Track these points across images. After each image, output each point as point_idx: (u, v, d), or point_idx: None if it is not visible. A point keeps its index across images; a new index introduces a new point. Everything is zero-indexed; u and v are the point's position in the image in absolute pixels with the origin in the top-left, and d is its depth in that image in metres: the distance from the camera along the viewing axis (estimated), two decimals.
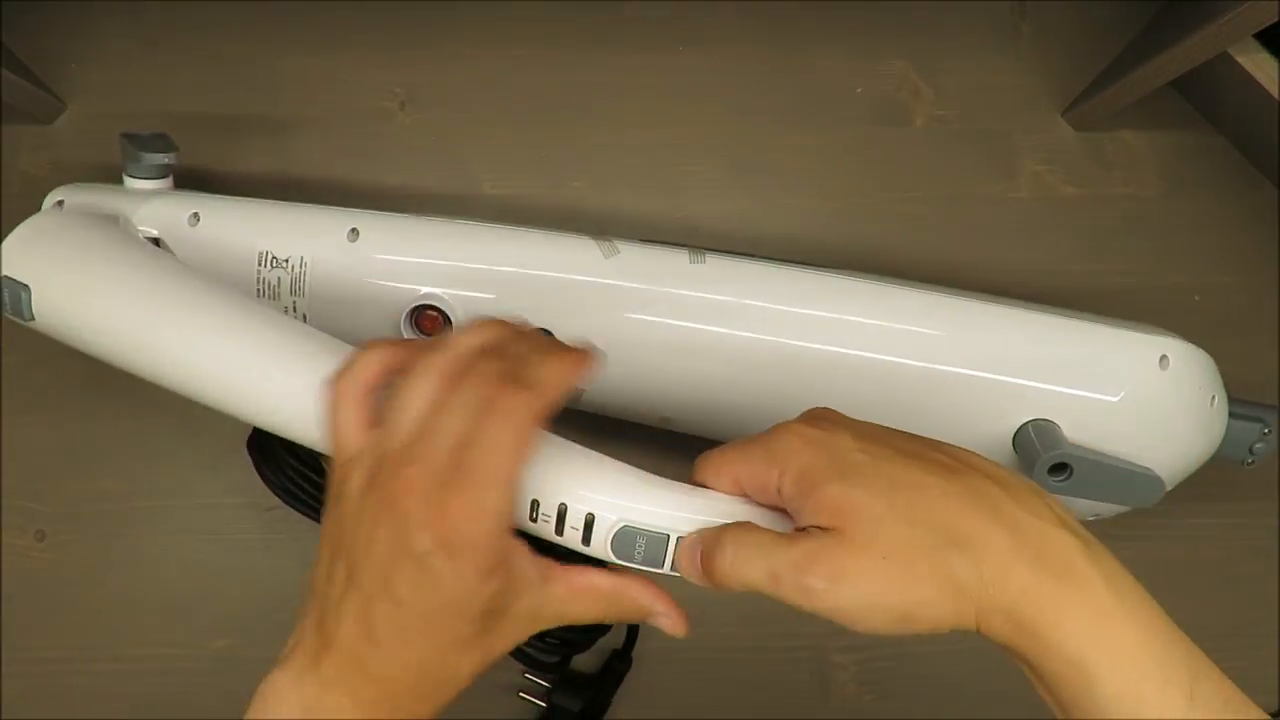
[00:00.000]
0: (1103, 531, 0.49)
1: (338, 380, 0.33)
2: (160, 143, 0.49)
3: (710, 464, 0.33)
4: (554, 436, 0.34)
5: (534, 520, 0.33)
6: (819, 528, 0.29)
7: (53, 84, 0.56)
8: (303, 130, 0.57)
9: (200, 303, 0.38)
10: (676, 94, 0.58)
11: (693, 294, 0.44)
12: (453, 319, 0.46)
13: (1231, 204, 0.58)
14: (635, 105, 0.58)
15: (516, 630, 0.32)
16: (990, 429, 0.44)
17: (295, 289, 0.46)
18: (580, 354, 0.33)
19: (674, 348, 0.45)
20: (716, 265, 0.45)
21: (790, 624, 0.53)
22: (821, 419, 0.32)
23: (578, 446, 0.34)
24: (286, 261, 0.46)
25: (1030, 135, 0.58)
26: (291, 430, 0.36)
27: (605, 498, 0.33)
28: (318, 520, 0.49)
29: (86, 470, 0.53)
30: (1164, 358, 0.43)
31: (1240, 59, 0.50)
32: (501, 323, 0.34)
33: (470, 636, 0.31)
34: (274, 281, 0.47)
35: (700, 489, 0.33)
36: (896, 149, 0.58)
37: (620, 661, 0.52)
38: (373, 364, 0.33)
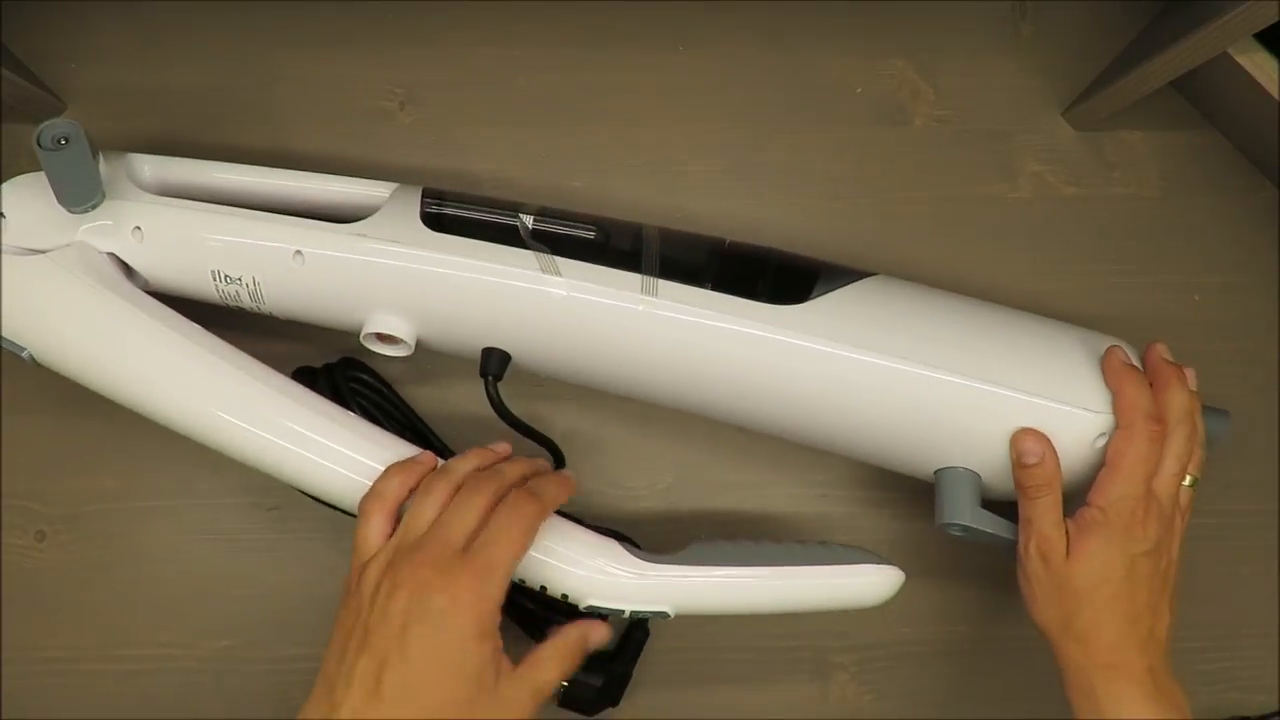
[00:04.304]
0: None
1: (366, 500, 0.40)
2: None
3: (1139, 379, 0.42)
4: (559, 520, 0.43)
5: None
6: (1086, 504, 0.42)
7: (53, 84, 0.56)
8: (302, 130, 0.57)
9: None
10: (676, 94, 0.58)
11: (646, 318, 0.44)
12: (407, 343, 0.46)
13: (1231, 204, 0.58)
14: (635, 105, 0.58)
15: (512, 700, 0.37)
16: (976, 442, 0.44)
17: (255, 299, 0.46)
18: (566, 477, 0.43)
19: (625, 368, 0.46)
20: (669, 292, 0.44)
21: (790, 624, 0.53)
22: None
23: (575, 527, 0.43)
24: (239, 279, 0.46)
25: (1030, 135, 0.58)
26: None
27: (575, 584, 0.42)
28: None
29: (86, 470, 0.53)
30: None
31: (1240, 59, 0.50)
32: (488, 450, 0.43)
33: (467, 699, 0.35)
34: (233, 294, 0.46)
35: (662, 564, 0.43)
36: (896, 149, 0.58)
37: (639, 630, 0.50)
38: (393, 486, 0.40)
